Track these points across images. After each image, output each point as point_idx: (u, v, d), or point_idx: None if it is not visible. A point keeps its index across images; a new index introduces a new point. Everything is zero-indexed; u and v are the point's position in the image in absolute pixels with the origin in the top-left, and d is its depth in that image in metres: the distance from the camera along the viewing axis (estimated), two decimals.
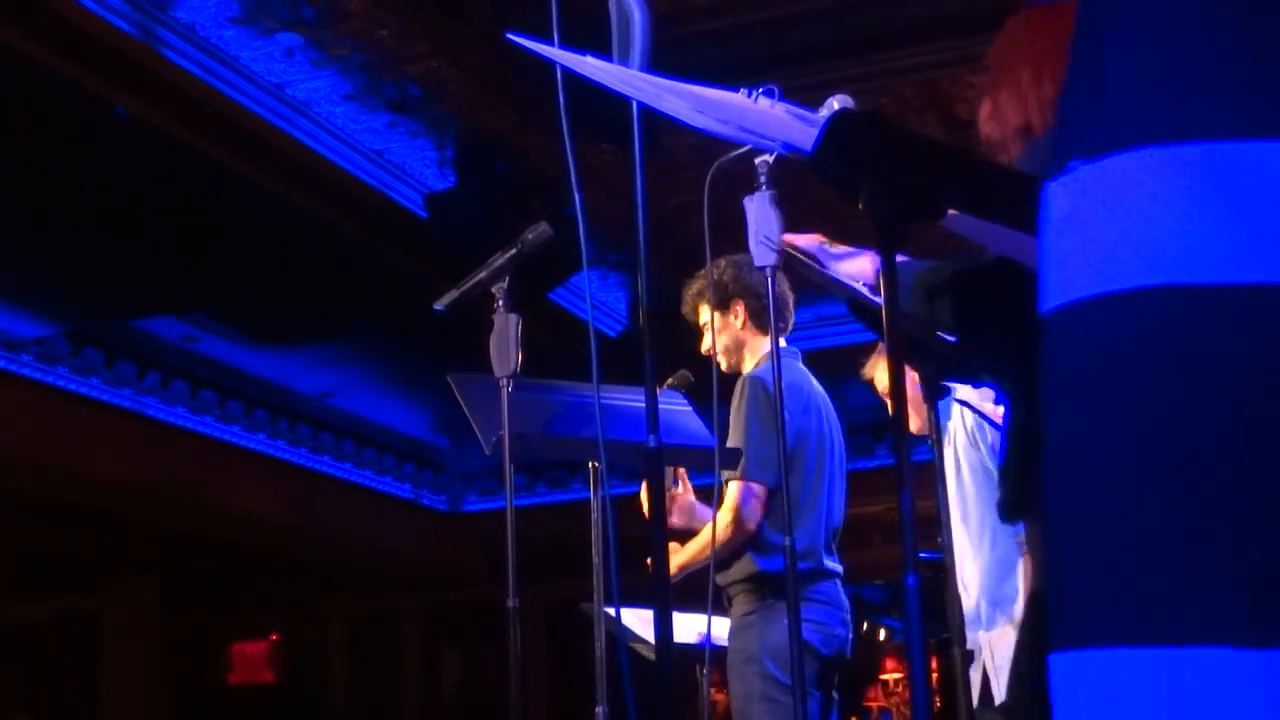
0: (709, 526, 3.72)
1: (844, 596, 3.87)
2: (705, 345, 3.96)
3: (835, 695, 3.86)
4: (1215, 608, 1.17)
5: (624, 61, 2.07)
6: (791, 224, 2.95)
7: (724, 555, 3.73)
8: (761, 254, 3.03)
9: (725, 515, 3.71)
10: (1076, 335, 1.26)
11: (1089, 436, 1.27)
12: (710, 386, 3.02)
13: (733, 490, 3.74)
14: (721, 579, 3.79)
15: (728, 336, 3.97)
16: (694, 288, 3.98)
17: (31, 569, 12.26)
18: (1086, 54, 1.31)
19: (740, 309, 3.97)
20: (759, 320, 3.94)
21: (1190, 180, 1.22)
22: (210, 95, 6.19)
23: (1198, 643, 1.17)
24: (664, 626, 2.03)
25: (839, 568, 3.89)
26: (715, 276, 3.93)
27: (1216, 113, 1.22)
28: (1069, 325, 1.26)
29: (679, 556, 3.80)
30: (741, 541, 3.73)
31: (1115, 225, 1.24)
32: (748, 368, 3.94)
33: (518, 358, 3.33)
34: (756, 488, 3.73)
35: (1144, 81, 1.26)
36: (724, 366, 3.95)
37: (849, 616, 3.88)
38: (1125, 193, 1.25)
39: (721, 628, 3.83)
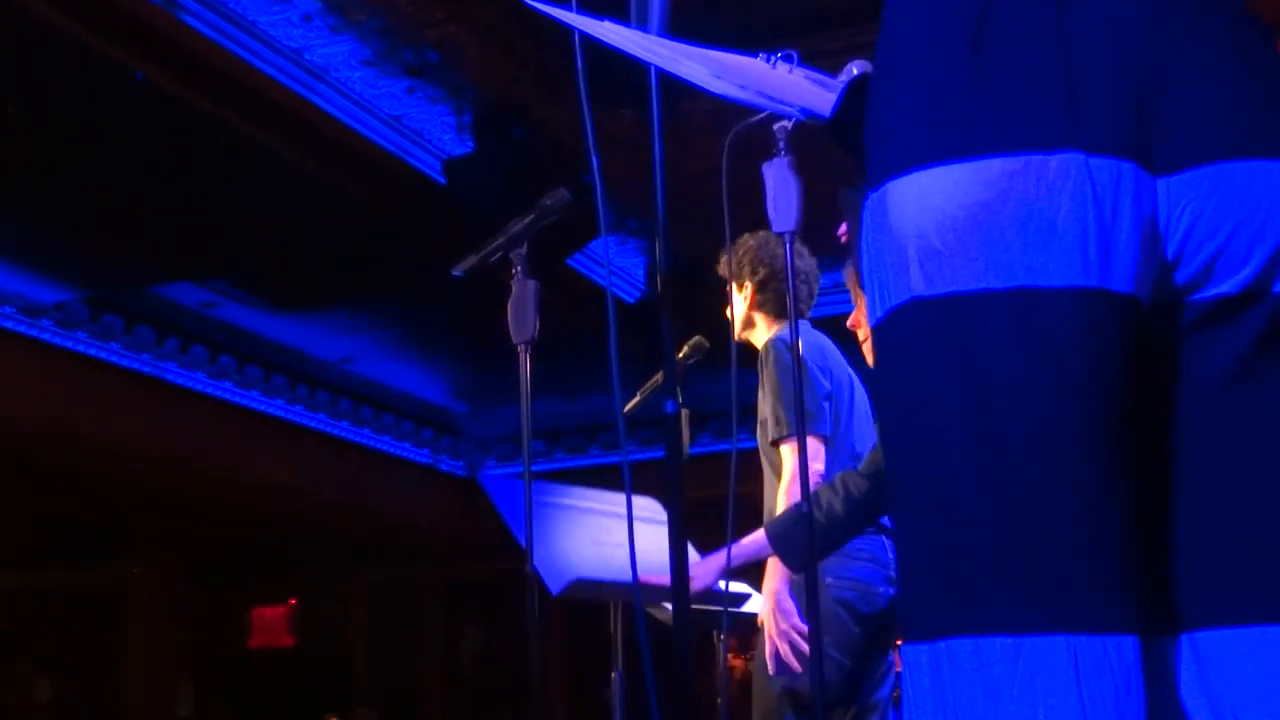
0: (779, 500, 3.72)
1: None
2: (729, 313, 4.03)
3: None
4: (988, 602, 1.28)
5: (642, 26, 2.07)
6: (810, 190, 2.96)
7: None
8: (780, 220, 3.03)
9: (786, 481, 3.72)
10: (878, 347, 1.40)
11: (885, 443, 1.43)
12: (728, 353, 3.02)
13: (787, 454, 3.75)
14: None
15: (741, 312, 4.03)
16: (721, 258, 4.02)
17: (48, 537, 12.35)
18: (874, 81, 1.46)
19: (749, 290, 4.00)
20: (767, 306, 4.00)
21: (920, 203, 1.34)
22: (228, 60, 6.20)
23: (979, 633, 1.27)
24: (681, 598, 2.05)
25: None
26: (738, 253, 3.99)
27: (942, 139, 1.34)
28: (877, 339, 1.40)
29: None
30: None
31: (890, 243, 1.37)
32: (762, 339, 3.97)
33: (536, 324, 3.35)
34: (810, 440, 3.74)
35: (895, 114, 1.40)
36: (735, 332, 3.99)
37: (895, 573, 3.84)
38: (889, 216, 1.38)
39: (753, 599, 3.84)
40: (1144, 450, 1.33)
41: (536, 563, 3.29)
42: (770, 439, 3.80)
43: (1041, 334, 1.29)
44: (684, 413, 3.36)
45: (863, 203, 1.43)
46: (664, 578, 2.07)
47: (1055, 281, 1.29)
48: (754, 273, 4.00)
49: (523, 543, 3.29)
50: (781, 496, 3.71)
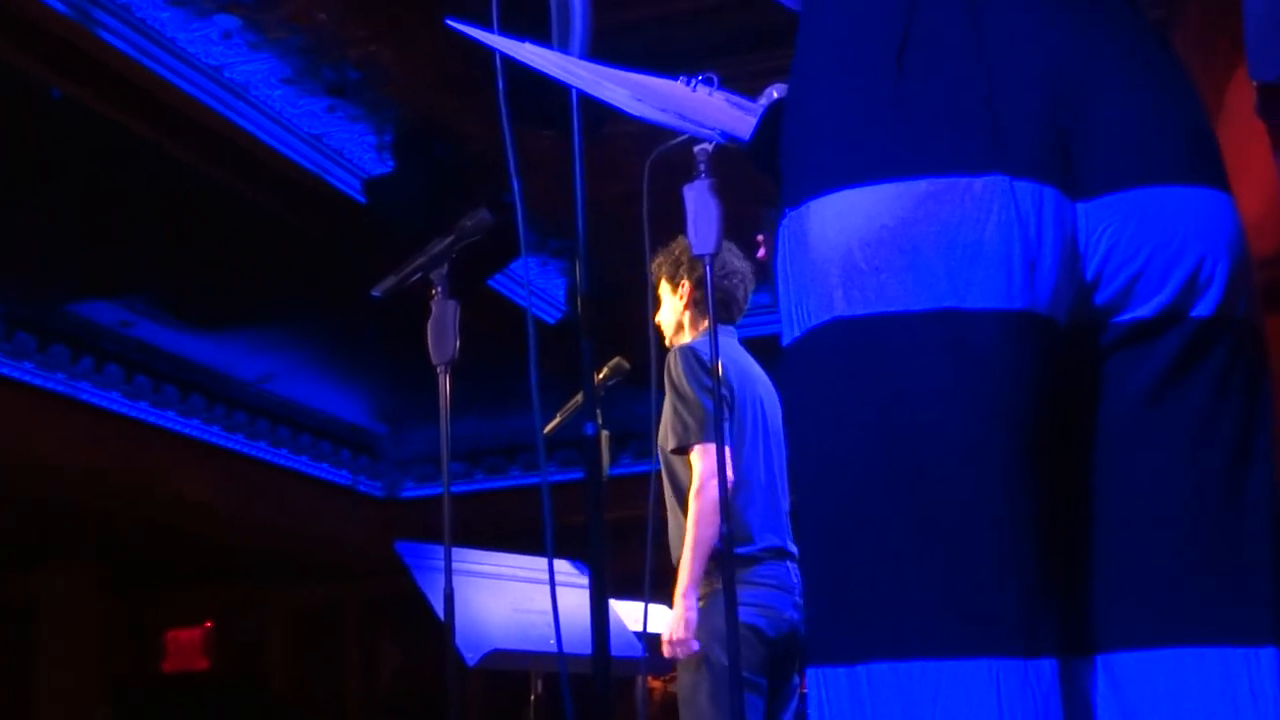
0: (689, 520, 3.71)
1: (796, 578, 3.84)
2: (657, 319, 4.04)
3: (795, 680, 3.85)
4: (908, 625, 1.28)
5: (563, 48, 2.06)
6: (730, 212, 2.96)
7: (712, 521, 3.68)
8: (701, 243, 3.04)
9: (695, 484, 3.72)
10: (792, 368, 1.40)
11: (797, 465, 1.42)
12: (648, 374, 3.02)
13: (695, 460, 3.75)
14: (677, 559, 3.80)
15: (672, 312, 4.04)
16: (658, 258, 4.04)
17: None
18: (790, 101, 1.47)
19: (686, 290, 4.01)
20: (700, 307, 3.98)
21: (842, 222, 1.35)
22: (146, 77, 6.12)
23: (900, 657, 1.27)
24: (600, 616, 2.04)
25: (792, 546, 3.86)
26: (675, 253, 3.99)
27: (866, 158, 1.35)
28: (791, 359, 1.40)
29: (683, 564, 3.74)
30: (716, 500, 3.69)
31: (810, 263, 1.38)
32: (687, 339, 3.99)
33: (456, 344, 3.33)
34: (713, 448, 3.73)
35: (814, 133, 1.41)
36: (665, 339, 4.02)
37: (801, 599, 3.85)
38: (809, 236, 1.39)
39: (665, 616, 3.83)
40: (1064, 473, 1.34)
41: (455, 634, 3.27)
42: (672, 446, 3.78)
43: (966, 356, 1.29)
44: (604, 434, 3.36)
45: (779, 222, 1.43)
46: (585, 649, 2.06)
47: (981, 303, 1.30)
48: (693, 270, 3.99)
49: (440, 615, 3.27)
50: (692, 499, 3.70)
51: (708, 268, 3.06)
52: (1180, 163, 1.38)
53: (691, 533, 3.68)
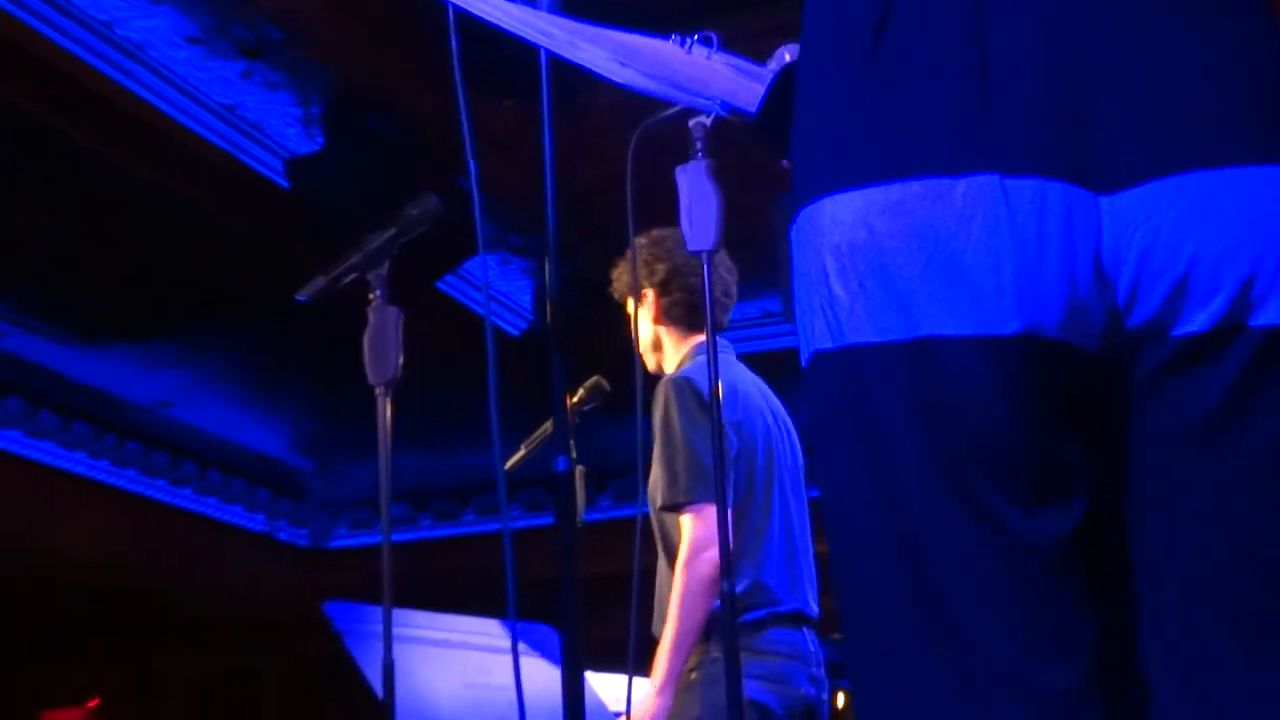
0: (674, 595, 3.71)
1: (814, 646, 3.86)
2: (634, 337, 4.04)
3: None
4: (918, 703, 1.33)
5: (532, 1, 2.07)
6: (732, 197, 2.97)
7: (699, 604, 3.68)
8: (696, 237, 3.04)
9: (682, 555, 3.70)
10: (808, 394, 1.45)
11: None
12: (632, 396, 3.02)
13: (686, 526, 3.73)
14: (659, 631, 3.79)
15: (645, 331, 4.01)
16: (617, 268, 4.02)
17: None
18: (799, 76, 1.50)
19: (650, 297, 3.99)
20: (675, 313, 3.97)
21: (822, 237, 1.38)
22: (22, 34, 6.11)
23: None
24: (572, 693, 2.04)
25: (812, 609, 3.88)
26: (627, 260, 3.96)
27: (842, 159, 1.38)
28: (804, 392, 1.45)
29: (660, 654, 3.74)
30: (710, 578, 3.69)
31: (803, 283, 1.42)
32: (669, 368, 3.97)
33: (398, 361, 3.32)
34: (707, 509, 3.73)
35: (807, 122, 1.44)
36: (648, 367, 3.99)
37: (822, 671, 3.87)
38: (798, 251, 1.42)
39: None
40: (1096, 531, 1.33)
41: (395, 715, 3.26)
42: (660, 503, 3.78)
43: (945, 395, 1.31)
44: (579, 470, 3.35)
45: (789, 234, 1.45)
46: None
47: (963, 329, 1.30)
48: (652, 273, 3.98)
49: (378, 691, 3.27)
50: (678, 574, 3.69)
51: (705, 267, 3.05)
52: (1236, 136, 1.34)
53: (674, 616, 3.66)
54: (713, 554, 3.65)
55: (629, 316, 4.04)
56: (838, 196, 1.36)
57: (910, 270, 1.31)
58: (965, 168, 1.31)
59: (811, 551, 3.94)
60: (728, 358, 3.94)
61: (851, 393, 1.34)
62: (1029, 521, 1.31)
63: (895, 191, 1.32)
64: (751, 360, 4.16)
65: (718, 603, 3.67)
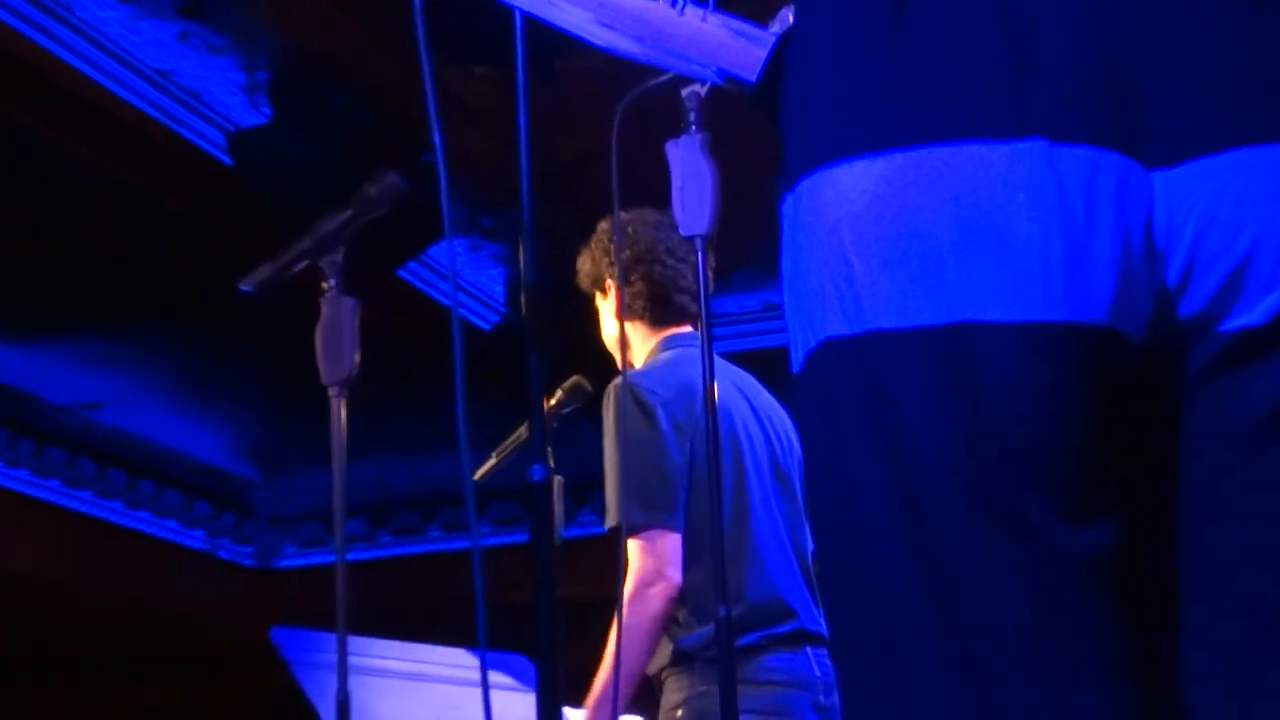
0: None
1: (822, 670, 3.82)
2: (601, 333, 4.04)
3: None
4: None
5: None
6: (729, 175, 2.97)
7: (643, 647, 3.66)
8: (690, 220, 3.05)
9: (627, 590, 3.65)
10: (797, 401, 1.45)
11: (810, 520, 1.46)
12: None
13: (630, 552, 3.70)
14: (651, 666, 3.78)
15: (609, 327, 3.99)
16: (588, 254, 4.02)
17: None
18: (794, 39, 1.52)
19: (610, 288, 3.97)
20: (637, 305, 3.94)
21: (835, 209, 1.37)
22: None
23: None
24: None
25: (815, 627, 3.84)
26: (590, 248, 3.96)
27: (859, 123, 1.37)
28: (796, 390, 1.45)
29: (595, 688, 3.71)
30: (657, 616, 3.67)
31: (807, 263, 1.41)
32: (639, 361, 3.96)
33: (354, 358, 3.32)
34: (655, 537, 3.71)
35: (809, 87, 1.45)
36: (619, 366, 3.97)
37: (834, 698, 3.79)
38: (802, 228, 1.42)
39: None
40: (1135, 545, 1.33)
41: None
42: (608, 525, 3.75)
43: (983, 387, 1.30)
44: (557, 481, 3.35)
45: (779, 207, 1.45)
46: None
47: (1004, 314, 1.30)
48: (612, 261, 3.96)
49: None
50: (619, 611, 3.64)
51: (699, 256, 3.06)
52: None
53: (608, 660, 3.58)
54: (661, 588, 3.65)
55: (595, 310, 4.05)
56: (854, 164, 1.35)
57: (944, 246, 1.31)
58: (1010, 132, 1.31)
59: (810, 558, 3.92)
60: (692, 353, 3.90)
61: (869, 385, 1.34)
62: (1070, 535, 1.30)
63: (927, 157, 1.32)
64: (752, 359, 4.17)
65: (702, 632, 3.68)
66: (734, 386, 3.95)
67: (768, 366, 4.15)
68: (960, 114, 1.32)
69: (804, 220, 1.39)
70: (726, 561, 3.69)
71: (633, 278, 3.94)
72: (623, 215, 3.91)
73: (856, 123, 1.36)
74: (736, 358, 4.13)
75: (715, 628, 3.19)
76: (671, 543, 3.71)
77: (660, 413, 3.72)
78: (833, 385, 1.37)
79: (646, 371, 3.83)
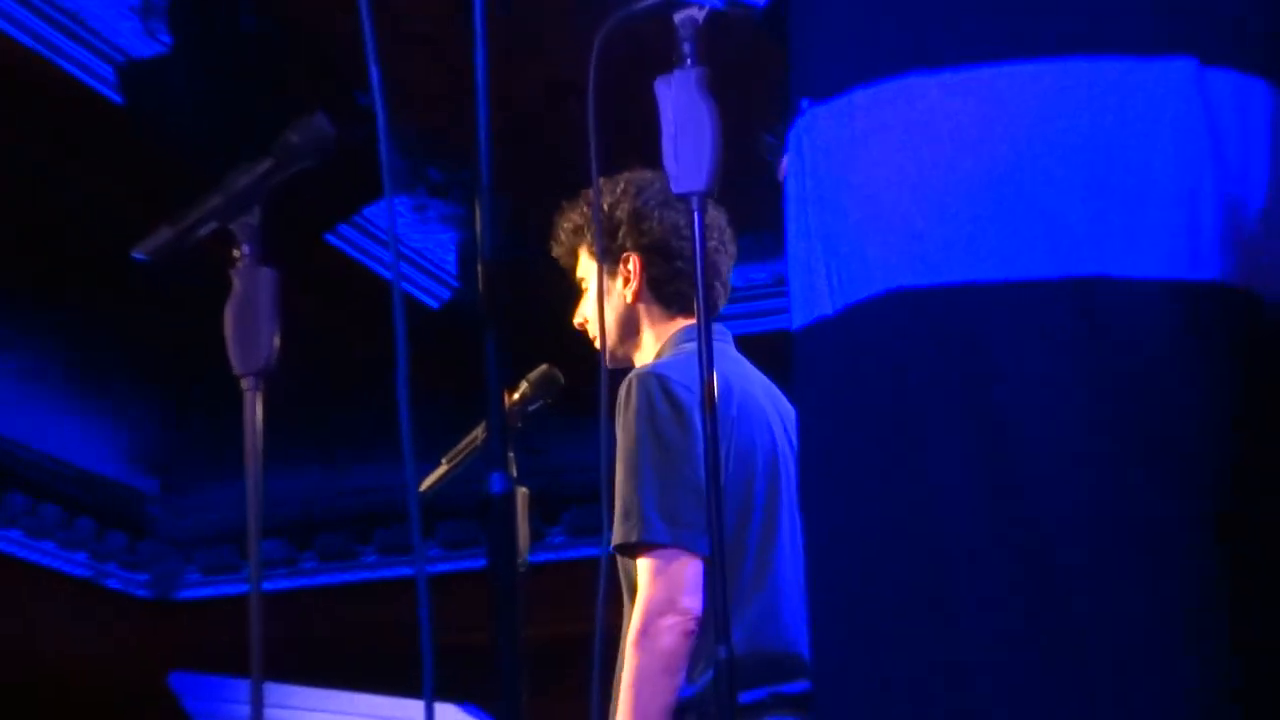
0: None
1: None
2: (580, 315, 4.00)
3: None
4: None
5: None
6: (733, 119, 2.97)
7: (659, 691, 3.66)
8: (684, 173, 3.04)
9: (635, 622, 3.67)
10: (810, 362, 1.49)
11: (813, 515, 1.53)
12: (594, 394, 3.03)
13: (641, 581, 3.71)
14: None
15: (616, 310, 3.97)
16: (571, 219, 4.00)
17: None
18: None
19: (635, 267, 3.97)
20: (663, 290, 3.96)
21: (907, 137, 1.39)
22: None
23: None
24: None
25: None
26: (609, 199, 3.94)
27: (950, 28, 1.37)
28: (810, 349, 1.49)
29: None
30: (671, 653, 3.66)
31: (848, 201, 1.43)
32: (642, 360, 3.95)
33: (274, 343, 3.32)
34: (674, 558, 3.73)
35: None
36: (607, 358, 3.94)
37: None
38: (843, 158, 1.44)
39: None
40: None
41: None
42: (616, 540, 3.74)
43: (1116, 354, 1.31)
44: (521, 494, 3.35)
45: (793, 123, 1.44)
46: None
47: (1141, 270, 1.31)
48: (640, 231, 3.98)
49: None
50: (629, 649, 3.66)
51: (695, 213, 3.05)
52: None
53: (624, 709, 3.64)
54: (676, 621, 3.65)
55: (579, 288, 4.03)
56: (945, 75, 1.35)
57: (1066, 183, 1.31)
58: (1154, 47, 1.31)
59: None
60: (723, 348, 3.92)
61: (958, 346, 1.34)
62: (1199, 527, 1.31)
63: (1048, 72, 1.32)
64: (759, 345, 4.16)
65: (700, 681, 3.68)
66: (767, 395, 3.95)
67: (773, 353, 4.15)
68: (1089, 19, 1.31)
69: (859, 140, 1.38)
70: (740, 599, 3.71)
71: (668, 252, 3.95)
72: (643, 176, 3.92)
73: (946, 19, 1.36)
74: (741, 343, 4.12)
75: (715, 673, 3.20)
76: (691, 569, 3.69)
77: (695, 415, 3.70)
78: (896, 342, 1.38)
79: (674, 363, 3.81)
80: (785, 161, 2.75)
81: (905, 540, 1.36)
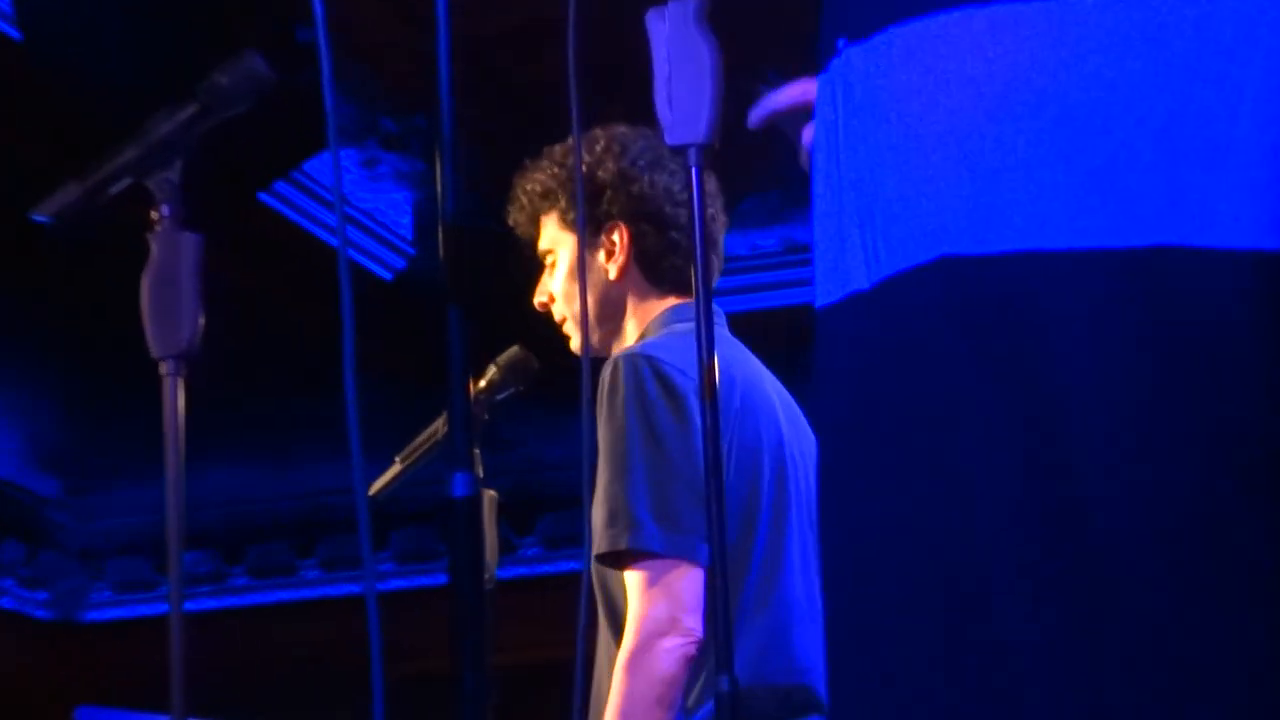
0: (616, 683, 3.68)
1: None
2: (542, 293, 3.99)
3: None
4: None
5: None
6: (733, 60, 2.98)
7: (653, 719, 3.67)
8: (681, 121, 3.05)
9: (627, 645, 3.66)
10: (834, 341, 1.51)
11: (833, 522, 1.55)
12: (574, 380, 3.03)
13: (633, 595, 3.69)
14: None
15: (594, 289, 3.96)
16: (536, 180, 3.99)
17: None
18: None
19: (621, 239, 3.95)
20: (655, 265, 3.94)
21: (962, 74, 1.39)
22: None
23: None
24: None
25: None
26: (594, 151, 3.93)
27: None
28: (835, 326, 1.50)
29: None
30: (670, 680, 3.66)
31: (889, 151, 1.44)
32: (630, 340, 3.95)
33: (198, 321, 3.33)
34: (672, 569, 3.71)
35: None
36: (575, 339, 3.94)
37: None
38: (886, 95, 1.44)
39: None
40: None
41: None
42: (598, 549, 3.73)
43: (1181, 327, 1.32)
44: (489, 498, 3.35)
45: (821, 75, 1.44)
46: None
47: (1216, 238, 1.32)
48: (628, 195, 3.96)
49: None
50: (618, 673, 3.66)
51: (694, 176, 3.06)
52: None
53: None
54: (677, 643, 3.63)
55: (540, 263, 4.03)
56: (961, 14, 1.37)
57: (1133, 138, 1.32)
58: None
59: None
60: (720, 331, 3.91)
61: (1013, 317, 1.36)
62: (1270, 515, 1.34)
63: (1103, 6, 1.33)
64: (767, 323, 4.18)
65: (697, 717, 3.69)
66: (775, 390, 3.95)
67: (785, 331, 4.16)
68: None
69: (899, 86, 1.39)
70: (743, 620, 3.72)
71: (660, 220, 3.93)
72: (625, 133, 3.91)
73: None
74: (747, 321, 4.13)
75: (715, 706, 3.21)
76: (692, 581, 3.65)
77: (692, 403, 3.69)
78: (940, 315, 1.40)
79: (665, 344, 3.80)
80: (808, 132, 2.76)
81: (941, 529, 1.39)
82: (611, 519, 3.71)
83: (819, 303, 1.48)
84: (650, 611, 3.67)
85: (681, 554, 3.67)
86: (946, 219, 1.37)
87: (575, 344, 3.94)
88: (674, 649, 3.63)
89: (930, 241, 1.39)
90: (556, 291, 4.00)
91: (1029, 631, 1.33)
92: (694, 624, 3.66)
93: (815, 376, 1.52)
